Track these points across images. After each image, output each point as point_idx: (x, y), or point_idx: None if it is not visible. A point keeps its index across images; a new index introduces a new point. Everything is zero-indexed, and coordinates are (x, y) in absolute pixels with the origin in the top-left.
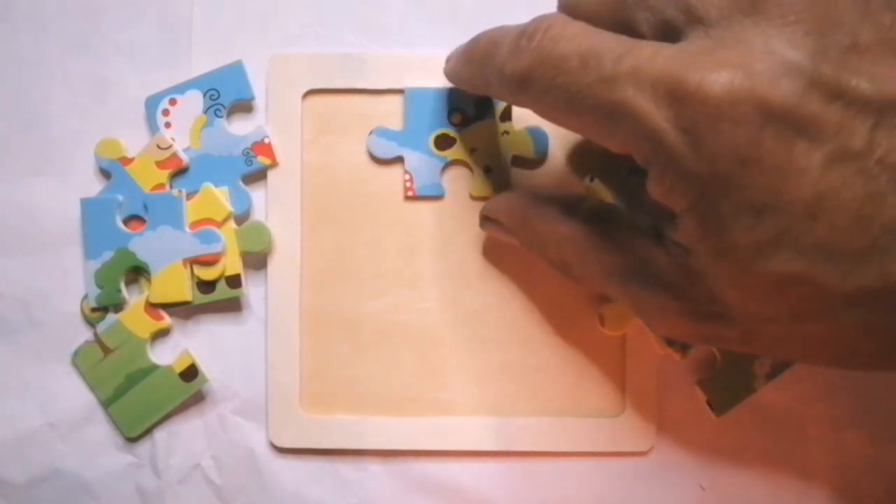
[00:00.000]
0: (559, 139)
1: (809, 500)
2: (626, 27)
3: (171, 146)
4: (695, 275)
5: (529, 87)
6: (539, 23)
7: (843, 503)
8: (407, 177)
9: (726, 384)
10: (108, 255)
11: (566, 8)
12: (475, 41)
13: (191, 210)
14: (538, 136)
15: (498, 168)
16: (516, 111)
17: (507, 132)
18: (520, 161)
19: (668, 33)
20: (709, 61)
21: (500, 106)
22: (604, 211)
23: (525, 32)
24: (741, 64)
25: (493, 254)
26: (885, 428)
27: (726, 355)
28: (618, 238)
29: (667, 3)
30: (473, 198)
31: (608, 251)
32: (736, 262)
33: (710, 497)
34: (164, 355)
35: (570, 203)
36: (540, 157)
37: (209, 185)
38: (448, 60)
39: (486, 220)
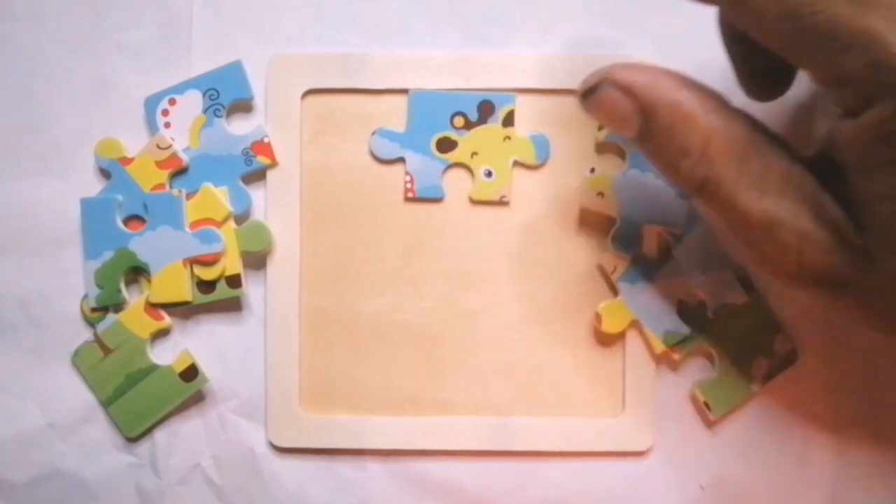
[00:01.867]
0: (559, 144)
1: (809, 501)
2: None
3: (170, 146)
4: (864, 208)
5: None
6: None
7: (843, 503)
8: (408, 178)
9: (723, 386)
10: (108, 255)
11: None
12: None
13: (191, 210)
14: (539, 142)
15: (499, 172)
16: (518, 116)
17: (508, 137)
18: (520, 166)
19: None
20: None
21: (503, 111)
22: (760, 124)
23: None
24: None
25: (494, 254)
26: (885, 428)
27: (722, 356)
28: (773, 156)
29: None
30: (473, 201)
31: (761, 165)
32: None
33: (710, 497)
34: (164, 355)
35: (725, 102)
36: (541, 163)
37: (209, 185)
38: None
39: (607, 84)
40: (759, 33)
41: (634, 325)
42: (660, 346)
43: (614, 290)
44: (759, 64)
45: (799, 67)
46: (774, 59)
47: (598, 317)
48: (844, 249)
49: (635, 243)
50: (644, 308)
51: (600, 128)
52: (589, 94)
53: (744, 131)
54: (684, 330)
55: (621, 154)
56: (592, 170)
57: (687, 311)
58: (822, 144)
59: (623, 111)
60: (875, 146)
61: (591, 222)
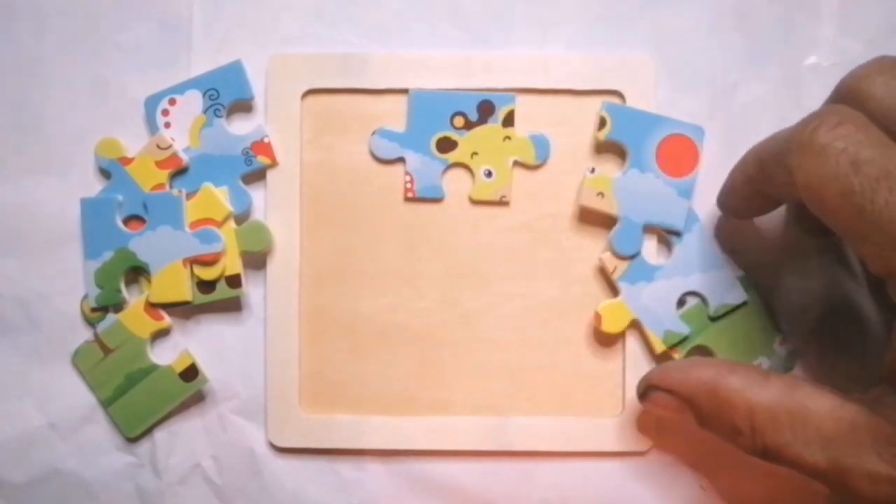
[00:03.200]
0: (559, 144)
1: (809, 500)
2: None
3: (170, 146)
4: None
5: (814, 167)
6: (832, 109)
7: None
8: (408, 178)
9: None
10: (108, 255)
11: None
12: (741, 161)
13: (191, 210)
14: (539, 142)
15: (498, 172)
16: (518, 116)
17: (508, 137)
18: (520, 166)
19: None
20: None
21: (503, 111)
22: (797, 379)
23: (817, 114)
24: None
25: (494, 254)
26: None
27: (726, 356)
28: (819, 404)
29: None
30: (473, 201)
31: (809, 418)
32: None
33: (710, 497)
34: (164, 355)
35: (759, 372)
36: (541, 163)
37: (209, 185)
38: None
39: (652, 389)
40: (827, 221)
41: (635, 325)
42: (660, 346)
43: (614, 290)
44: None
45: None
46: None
47: (598, 317)
48: None
49: (635, 243)
50: (644, 308)
51: (600, 127)
52: (643, 400)
53: (783, 395)
54: (684, 330)
55: (622, 154)
56: (592, 170)
57: (687, 311)
58: (886, 368)
59: (673, 408)
60: None
61: (592, 222)
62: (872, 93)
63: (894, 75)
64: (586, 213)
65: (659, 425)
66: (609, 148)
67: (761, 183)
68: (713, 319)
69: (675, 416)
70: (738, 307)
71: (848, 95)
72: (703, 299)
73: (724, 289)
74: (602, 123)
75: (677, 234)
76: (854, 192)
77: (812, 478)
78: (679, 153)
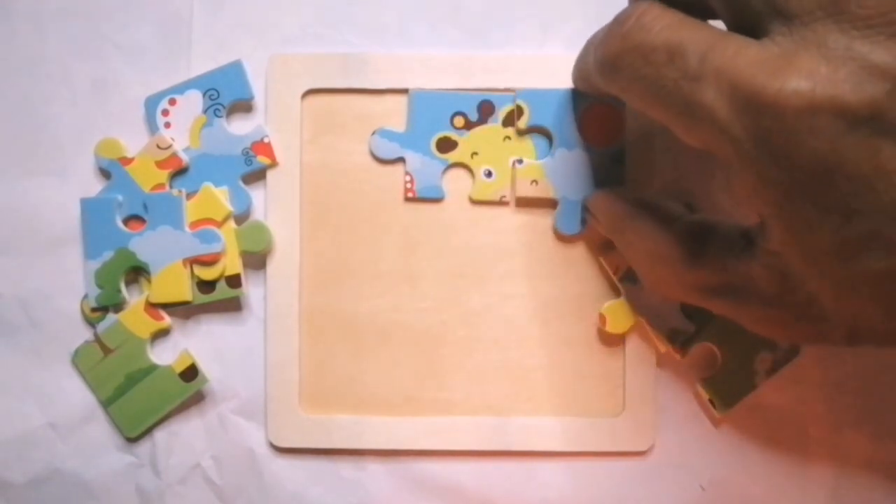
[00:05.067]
0: (559, 144)
1: (809, 500)
2: (707, 9)
3: (170, 146)
4: (790, 280)
5: (618, 73)
6: (633, 8)
7: (843, 503)
8: (408, 178)
9: (727, 382)
10: (108, 255)
11: None
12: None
13: (191, 210)
14: (540, 142)
15: (498, 172)
16: (518, 117)
17: (508, 137)
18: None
19: (749, 22)
20: (788, 68)
21: (503, 111)
22: (698, 227)
23: (618, 17)
24: (821, 71)
25: (494, 254)
26: (885, 428)
27: (726, 353)
28: (711, 255)
29: None
30: (473, 201)
31: (701, 269)
32: (827, 264)
33: (710, 497)
34: (164, 355)
35: (666, 216)
36: (541, 163)
37: (209, 185)
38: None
39: (585, 211)
40: (649, 115)
41: (639, 324)
42: (665, 345)
43: (617, 291)
44: None
45: None
46: None
47: (602, 318)
48: (797, 321)
49: (579, 221)
50: (647, 307)
51: (518, 117)
52: (584, 215)
53: (679, 244)
54: (689, 327)
55: (548, 135)
56: (520, 160)
57: (690, 307)
58: None
59: (601, 231)
60: (752, 201)
61: (531, 208)
62: None
63: None
64: (524, 201)
65: (659, 425)
66: (533, 131)
67: (596, 89)
68: (716, 315)
69: (605, 236)
70: None
71: None
72: None
73: None
74: (519, 113)
75: None
76: (648, 83)
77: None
78: (602, 122)
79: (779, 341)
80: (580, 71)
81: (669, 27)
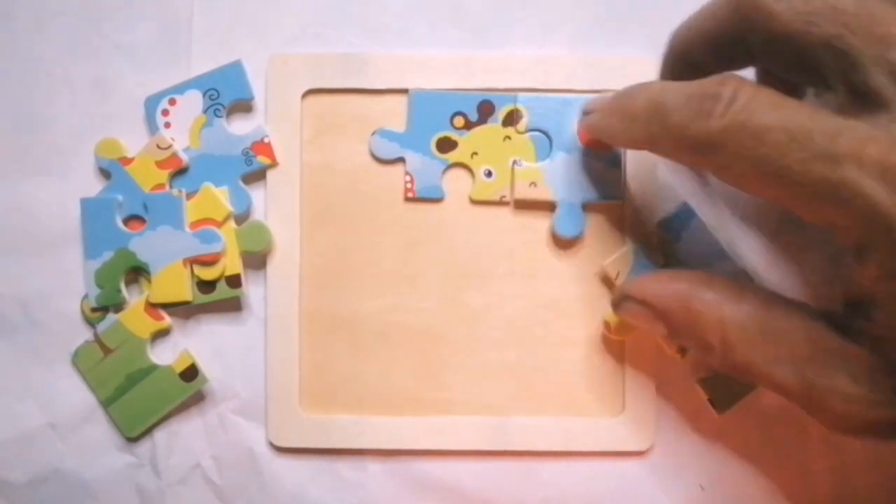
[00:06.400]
0: (560, 144)
1: (809, 501)
2: (808, 73)
3: (170, 146)
4: (890, 364)
5: (719, 152)
6: (724, 86)
7: (843, 503)
8: (408, 178)
9: (727, 381)
10: (108, 255)
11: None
12: (629, 97)
13: (191, 210)
14: (539, 142)
15: (498, 172)
16: (518, 117)
17: (508, 137)
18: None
19: (866, 96)
20: None
21: (503, 111)
22: (773, 296)
23: (707, 94)
24: None
25: (494, 254)
26: None
27: None
28: (792, 324)
29: (876, 67)
30: (473, 201)
31: (784, 337)
32: None
33: (710, 497)
34: (164, 355)
35: (736, 286)
36: (541, 163)
37: (209, 185)
38: (589, 112)
39: (627, 299)
40: (751, 192)
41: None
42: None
43: None
44: None
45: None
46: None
47: (606, 325)
48: (889, 398)
49: (578, 223)
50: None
51: (516, 121)
52: (617, 308)
53: (757, 312)
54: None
55: (548, 135)
56: (517, 161)
57: None
58: (843, 289)
59: (645, 319)
60: (887, 283)
61: (530, 209)
62: (776, 11)
63: None
64: (522, 203)
65: (659, 425)
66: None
67: (647, 149)
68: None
69: (647, 327)
70: None
71: (746, 15)
72: None
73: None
74: (518, 117)
75: (675, 234)
76: (766, 163)
77: (781, 395)
78: None
79: (859, 428)
80: (630, 134)
81: (779, 107)
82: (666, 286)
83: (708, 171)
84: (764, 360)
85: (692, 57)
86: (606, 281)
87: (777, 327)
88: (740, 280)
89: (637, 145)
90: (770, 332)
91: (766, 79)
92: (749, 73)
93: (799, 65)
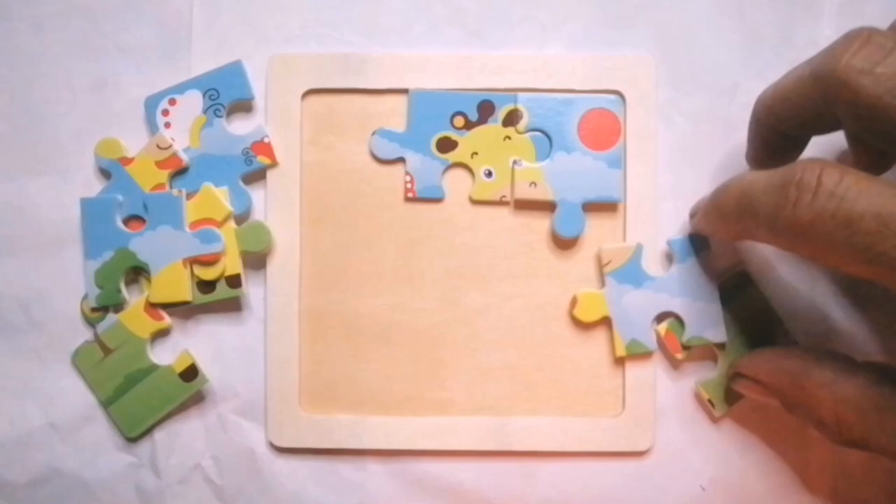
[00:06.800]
0: (560, 144)
1: (809, 500)
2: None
3: (170, 146)
4: None
5: (811, 241)
6: (806, 172)
7: (843, 503)
8: (408, 178)
9: (726, 383)
10: (108, 255)
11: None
12: (722, 194)
13: (191, 210)
14: (539, 142)
15: (498, 172)
16: (518, 117)
17: (508, 137)
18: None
19: None
20: None
21: (503, 111)
22: (885, 371)
23: (793, 182)
24: None
25: (494, 254)
26: None
27: (726, 353)
28: None
29: None
30: (473, 201)
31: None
32: None
33: (710, 497)
34: (164, 355)
35: (846, 363)
36: (541, 163)
37: (209, 185)
38: (693, 216)
39: (739, 376)
40: (845, 271)
41: (606, 321)
42: (622, 351)
43: (601, 281)
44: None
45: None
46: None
47: (573, 301)
48: None
49: (578, 223)
50: (621, 309)
51: (517, 121)
52: (732, 384)
53: (869, 389)
54: (651, 346)
55: (548, 135)
56: (517, 161)
57: (663, 327)
58: None
59: (760, 394)
60: None
61: (530, 209)
62: (861, 85)
63: (878, 59)
64: (522, 203)
65: (659, 425)
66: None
67: (749, 238)
68: (685, 348)
69: (764, 401)
70: (740, 303)
71: (831, 89)
72: (681, 324)
73: (707, 322)
74: (518, 116)
75: (680, 254)
76: (859, 250)
77: None
78: (600, 126)
79: None
80: (729, 231)
81: (867, 193)
82: (777, 365)
83: (804, 257)
84: (880, 434)
85: (779, 126)
86: (597, 262)
87: (891, 401)
88: (849, 357)
89: (739, 238)
90: (885, 407)
91: (856, 145)
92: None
93: (889, 135)
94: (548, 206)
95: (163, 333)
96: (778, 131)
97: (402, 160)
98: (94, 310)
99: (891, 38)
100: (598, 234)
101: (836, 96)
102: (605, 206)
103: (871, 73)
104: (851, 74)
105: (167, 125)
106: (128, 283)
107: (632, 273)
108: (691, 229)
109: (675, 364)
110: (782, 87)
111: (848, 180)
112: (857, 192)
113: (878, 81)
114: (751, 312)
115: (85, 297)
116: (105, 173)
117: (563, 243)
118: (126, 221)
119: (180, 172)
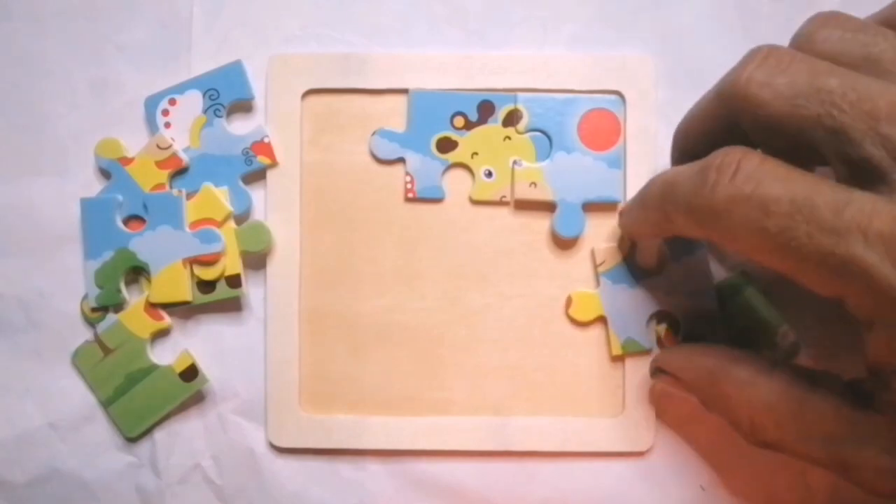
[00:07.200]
0: (560, 144)
1: (809, 501)
2: (806, 152)
3: (170, 146)
4: None
5: (724, 222)
6: (729, 156)
7: (843, 503)
8: (408, 178)
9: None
10: (108, 255)
11: (750, 106)
12: (646, 188)
13: (191, 210)
14: (539, 142)
15: (498, 172)
16: (518, 117)
17: (508, 137)
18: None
19: (866, 173)
20: None
21: (503, 111)
22: (800, 373)
23: (712, 166)
24: None
25: (494, 254)
26: None
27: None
28: (819, 401)
29: (868, 141)
30: (473, 201)
31: (811, 415)
32: None
33: (710, 497)
34: (164, 355)
35: (763, 364)
36: (541, 163)
37: (209, 185)
38: (621, 216)
39: (659, 371)
40: (759, 261)
41: (602, 320)
42: (617, 350)
43: (596, 281)
44: None
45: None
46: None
47: (568, 300)
48: None
49: (578, 223)
50: (616, 308)
51: (517, 121)
52: (653, 377)
53: (783, 391)
54: (647, 344)
55: (547, 137)
56: (517, 161)
57: (659, 328)
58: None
59: (679, 391)
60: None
61: (530, 210)
62: (762, 99)
63: (777, 72)
64: (522, 203)
65: (659, 425)
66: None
67: (669, 231)
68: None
69: (685, 396)
70: (739, 302)
71: (734, 105)
72: (676, 324)
73: (701, 323)
74: (518, 117)
75: (676, 252)
76: (772, 234)
77: (815, 466)
78: (600, 127)
79: (885, 496)
80: (651, 222)
81: (784, 178)
82: (693, 362)
83: (717, 242)
84: (794, 439)
85: (695, 151)
86: (591, 260)
87: (804, 406)
88: (767, 357)
89: (658, 229)
90: (798, 412)
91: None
92: None
93: (796, 146)
94: (548, 207)
95: (163, 333)
96: (695, 154)
97: (402, 160)
98: (94, 310)
99: (789, 53)
100: (598, 234)
101: (739, 110)
102: (605, 207)
103: (770, 85)
104: (752, 87)
105: (167, 125)
106: (128, 283)
107: (627, 272)
108: (623, 229)
109: None
110: (693, 111)
111: (767, 165)
112: (774, 177)
113: (777, 91)
114: (749, 313)
115: (85, 297)
116: (105, 173)
117: (563, 243)
118: (126, 221)
119: (180, 172)
